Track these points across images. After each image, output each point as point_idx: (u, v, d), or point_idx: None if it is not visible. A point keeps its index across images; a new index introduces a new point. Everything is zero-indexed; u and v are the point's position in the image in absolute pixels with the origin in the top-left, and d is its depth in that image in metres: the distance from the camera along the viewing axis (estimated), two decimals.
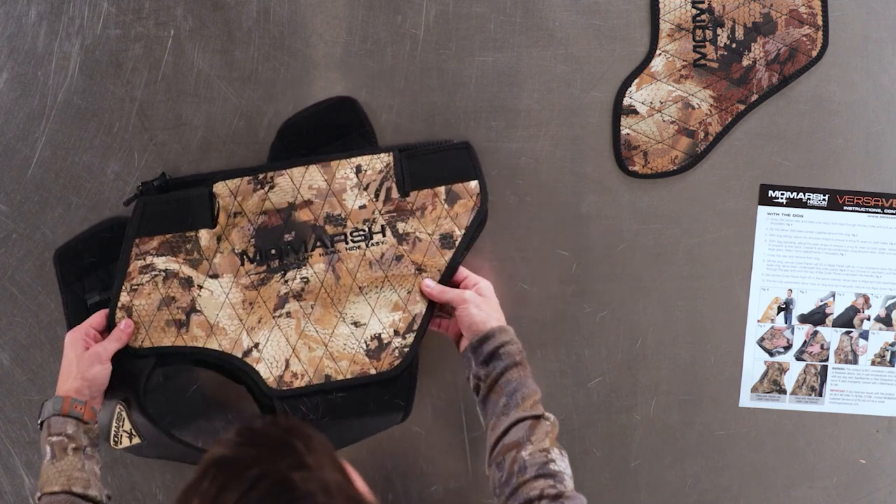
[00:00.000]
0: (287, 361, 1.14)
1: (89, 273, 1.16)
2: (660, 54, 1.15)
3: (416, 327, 1.14)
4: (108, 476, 1.22)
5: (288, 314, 1.14)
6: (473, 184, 1.15)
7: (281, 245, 1.13)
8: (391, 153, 1.13)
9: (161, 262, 1.12)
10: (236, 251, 1.13)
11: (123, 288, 1.12)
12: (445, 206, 1.14)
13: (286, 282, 1.14)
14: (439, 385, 1.21)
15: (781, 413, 1.25)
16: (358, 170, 1.13)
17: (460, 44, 1.14)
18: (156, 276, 1.12)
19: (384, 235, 1.14)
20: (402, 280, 1.14)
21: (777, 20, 1.14)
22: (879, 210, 1.20)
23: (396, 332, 1.14)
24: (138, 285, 1.12)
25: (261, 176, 1.12)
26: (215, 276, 1.13)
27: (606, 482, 1.26)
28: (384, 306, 1.14)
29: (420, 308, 1.14)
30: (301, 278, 1.14)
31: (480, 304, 1.10)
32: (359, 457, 1.22)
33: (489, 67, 1.15)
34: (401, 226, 1.14)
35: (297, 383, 1.14)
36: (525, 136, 1.17)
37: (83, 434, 1.04)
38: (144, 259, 1.12)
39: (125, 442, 1.12)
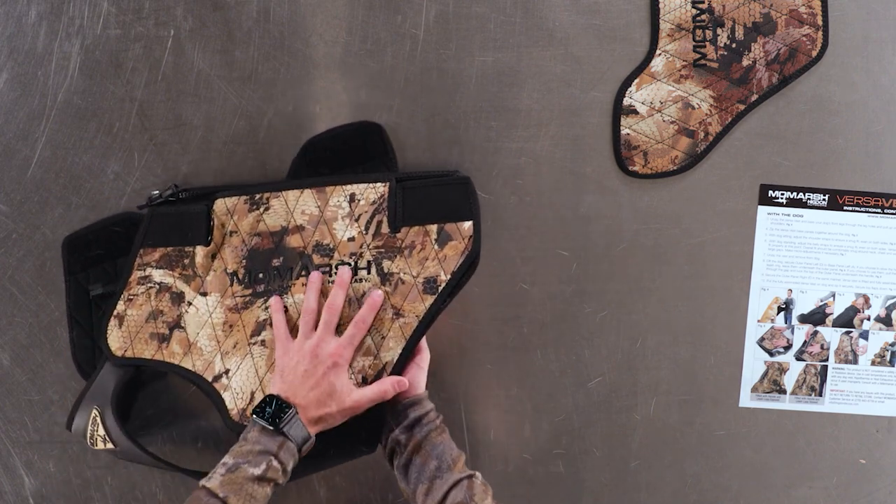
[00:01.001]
0: (252, 394, 1.08)
1: (95, 265, 1.16)
2: (660, 54, 1.15)
3: (385, 375, 1.06)
4: (108, 476, 1.23)
5: (262, 342, 1.09)
6: (467, 225, 1.08)
7: (269, 269, 1.11)
8: (388, 183, 1.09)
9: (158, 275, 1.13)
10: (228, 271, 1.12)
11: (122, 297, 1.13)
12: (435, 246, 1.08)
13: (266, 308, 1.10)
14: (439, 385, 1.21)
15: (781, 413, 1.25)
16: (351, 198, 1.10)
17: (460, 44, 1.14)
18: (150, 288, 1.13)
19: (369, 272, 1.08)
20: (378, 323, 1.07)
21: (777, 20, 1.14)
22: (879, 210, 1.20)
23: (365, 380, 1.06)
24: (134, 296, 1.13)
25: (257, 196, 1.12)
26: (204, 294, 1.12)
27: (606, 482, 1.26)
28: (357, 349, 1.06)
29: (392, 356, 1.06)
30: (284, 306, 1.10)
31: (419, 372, 1.09)
32: None
33: (489, 67, 1.15)
34: (386, 264, 1.08)
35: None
36: (525, 136, 1.17)
37: (286, 473, 1.00)
38: (144, 270, 1.13)
39: (100, 445, 1.12)
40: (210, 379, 1.10)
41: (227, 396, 1.09)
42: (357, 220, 1.09)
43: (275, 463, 0.97)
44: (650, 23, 1.14)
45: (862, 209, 1.20)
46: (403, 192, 1.09)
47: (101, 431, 1.11)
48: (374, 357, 1.06)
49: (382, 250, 1.09)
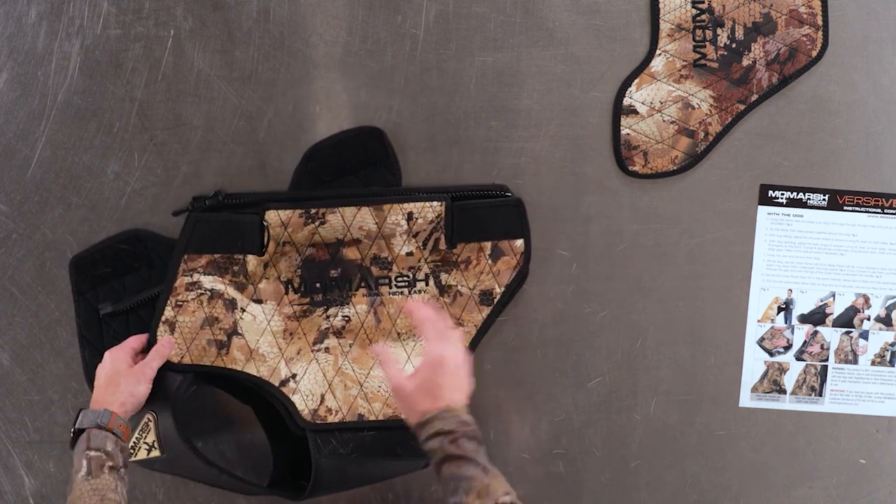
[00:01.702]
0: (322, 396, 1.15)
1: (103, 284, 1.16)
2: (660, 54, 1.15)
3: None
4: None
5: (326, 349, 1.16)
6: (519, 242, 1.16)
7: (326, 280, 1.15)
8: (444, 203, 1.14)
9: (208, 281, 1.13)
10: (282, 279, 1.15)
11: (168, 303, 1.13)
12: (489, 261, 1.16)
13: (328, 317, 1.16)
14: None
15: (781, 413, 1.25)
16: (409, 217, 1.14)
17: (460, 44, 1.14)
18: (201, 294, 1.13)
19: (427, 284, 1.16)
20: None
21: (777, 20, 1.14)
22: (879, 210, 1.20)
23: None
24: (183, 301, 1.13)
25: (313, 211, 1.13)
26: (259, 302, 1.14)
27: (606, 482, 1.26)
28: (419, 355, 1.14)
29: None
30: (343, 316, 1.16)
31: (410, 394, 0.98)
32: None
33: (489, 67, 1.15)
34: (444, 277, 1.16)
35: (331, 419, 1.15)
36: (525, 136, 1.17)
37: (120, 453, 1.02)
38: (192, 276, 1.13)
39: (142, 454, 1.12)
40: (277, 384, 1.15)
41: (296, 399, 1.15)
42: (415, 237, 1.15)
43: (92, 453, 1.00)
44: (650, 23, 1.14)
45: (862, 209, 1.20)
46: (460, 212, 1.14)
47: (151, 438, 1.11)
48: None
49: (439, 264, 1.16)
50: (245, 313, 1.14)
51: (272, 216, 1.13)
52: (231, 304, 1.14)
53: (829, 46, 1.14)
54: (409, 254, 1.15)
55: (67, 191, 1.16)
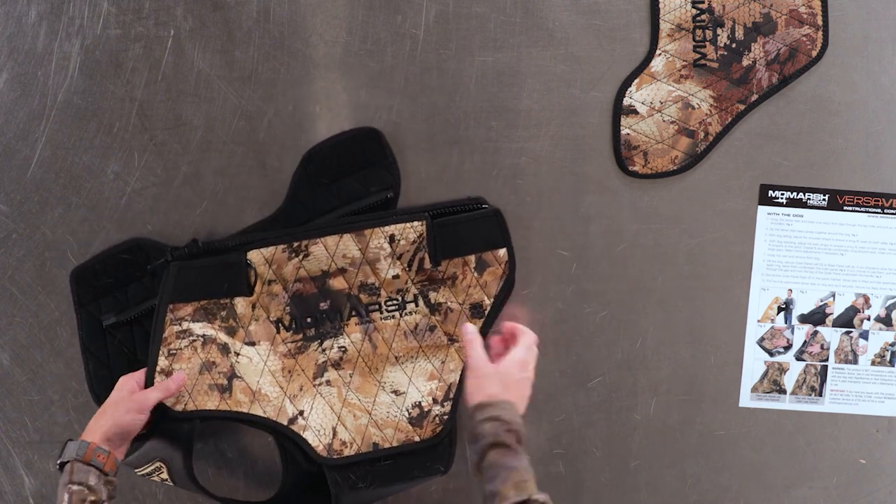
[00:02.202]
0: (334, 429, 1.15)
1: (106, 294, 1.16)
2: (660, 54, 1.15)
3: (452, 395, 1.16)
4: None
5: (328, 382, 1.16)
6: (502, 252, 1.16)
7: (316, 313, 1.15)
8: (424, 222, 1.13)
9: (198, 328, 1.13)
10: (271, 319, 1.14)
11: (161, 353, 1.12)
12: (475, 274, 1.15)
13: (323, 350, 1.15)
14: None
15: (781, 413, 1.25)
16: (391, 239, 1.13)
17: (460, 44, 1.14)
18: (194, 340, 1.12)
19: (417, 305, 1.16)
20: (435, 350, 1.17)
21: (777, 20, 1.14)
22: (879, 210, 1.20)
23: (435, 400, 1.16)
24: (177, 350, 1.12)
25: (295, 244, 1.13)
26: (252, 344, 1.14)
27: (606, 482, 1.26)
28: (420, 375, 1.17)
29: (454, 377, 1.17)
30: (339, 347, 1.15)
31: (487, 376, 1.06)
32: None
33: (489, 67, 1.15)
34: (433, 295, 1.16)
35: (347, 451, 1.15)
36: (525, 136, 1.17)
37: (103, 486, 1.00)
38: (181, 325, 1.12)
39: (155, 478, 1.14)
40: (285, 422, 1.14)
41: (308, 436, 1.14)
42: (399, 259, 1.14)
43: (74, 487, 0.98)
44: (650, 23, 1.14)
45: (862, 209, 1.20)
46: (441, 229, 1.14)
47: (165, 475, 1.13)
48: (439, 380, 1.16)
49: (426, 283, 1.15)
50: (240, 356, 1.13)
51: (255, 255, 1.12)
52: (224, 349, 1.13)
53: (829, 46, 1.14)
54: (396, 276, 1.14)
55: (67, 191, 1.16)
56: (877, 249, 1.21)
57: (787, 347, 1.23)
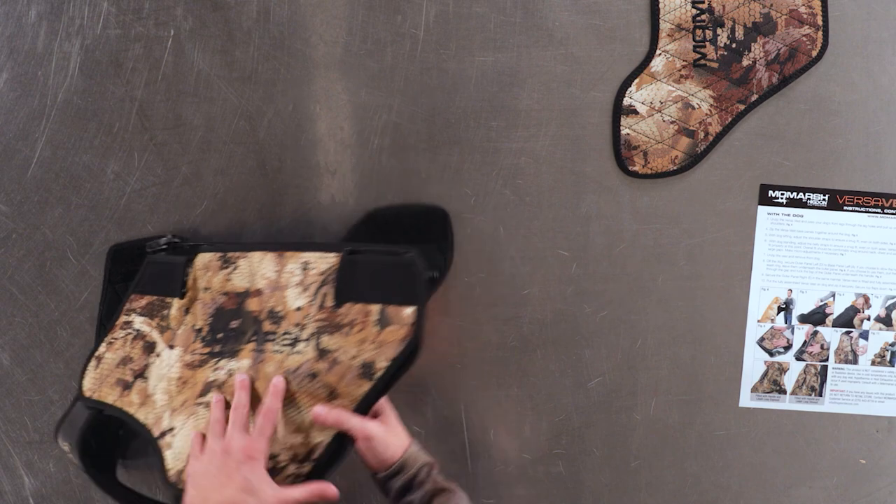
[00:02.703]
0: (189, 458, 1.02)
1: (132, 279, 1.15)
2: (660, 54, 1.15)
3: (315, 456, 1.00)
4: None
5: (206, 405, 1.04)
6: (409, 311, 0.98)
7: (227, 331, 1.07)
8: (340, 254, 1.03)
9: (139, 322, 1.12)
10: (195, 327, 1.09)
11: (105, 339, 1.12)
12: (375, 328, 0.99)
13: (216, 370, 1.05)
14: (439, 385, 1.21)
15: (781, 413, 1.25)
16: (305, 266, 1.04)
17: (460, 44, 1.14)
18: (129, 334, 1.12)
19: (307, 345, 1.01)
20: (310, 400, 1.00)
21: (777, 20, 1.14)
22: (879, 210, 1.20)
23: (294, 458, 1.00)
24: (114, 339, 1.12)
25: (229, 255, 1.10)
26: (172, 347, 1.09)
27: (606, 482, 1.26)
28: (287, 424, 1.00)
29: (324, 437, 1.00)
30: (228, 370, 1.04)
31: (384, 434, 1.03)
32: (358, 455, 1.22)
33: (489, 67, 1.15)
34: (325, 339, 1.00)
35: None
36: (525, 136, 1.17)
37: None
38: (129, 315, 1.13)
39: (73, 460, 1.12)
40: (156, 435, 1.05)
41: (168, 455, 1.04)
42: (306, 290, 1.03)
43: None
44: (650, 23, 1.14)
45: (862, 209, 1.20)
46: (352, 267, 1.02)
47: (75, 459, 1.11)
48: (306, 436, 1.00)
49: (324, 324, 1.01)
50: (159, 357, 1.09)
51: (199, 259, 1.10)
52: (150, 348, 1.10)
53: (829, 46, 1.14)
54: (299, 308, 1.03)
55: (67, 191, 1.16)
56: (877, 249, 1.21)
57: (787, 347, 1.23)
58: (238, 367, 1.04)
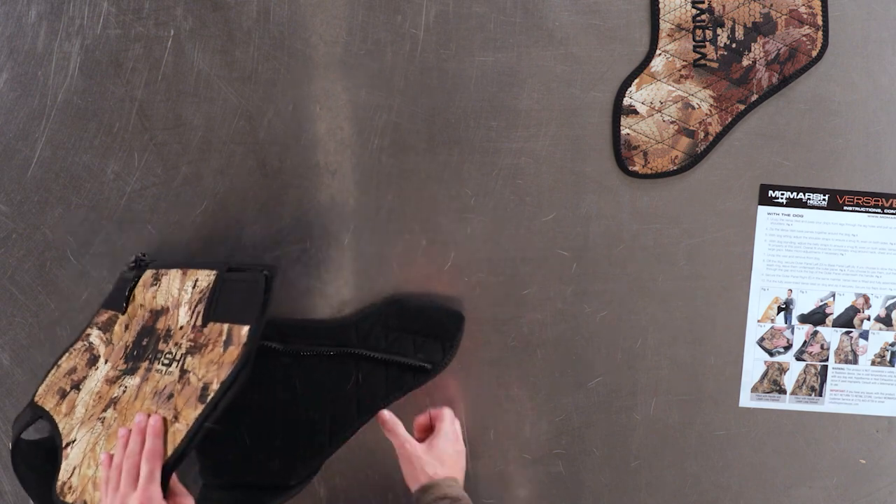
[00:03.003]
0: (73, 472, 1.00)
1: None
2: (660, 54, 1.15)
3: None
4: None
5: (102, 420, 1.01)
6: (245, 330, 0.94)
7: (139, 348, 1.05)
8: (217, 272, 1.01)
9: (94, 335, 1.12)
10: (126, 343, 1.08)
11: (67, 350, 1.13)
12: (221, 349, 0.96)
13: (121, 386, 1.03)
14: (439, 385, 1.21)
15: (781, 413, 1.25)
16: (195, 284, 1.02)
17: (460, 44, 1.14)
18: (83, 346, 1.12)
19: (176, 366, 0.98)
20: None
21: (777, 20, 1.14)
22: (879, 210, 1.20)
23: None
24: (73, 349, 1.12)
25: (159, 271, 1.09)
26: (106, 362, 1.09)
27: (606, 482, 1.26)
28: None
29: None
30: (124, 387, 1.02)
31: (420, 455, 1.09)
32: (358, 455, 1.22)
33: (489, 67, 1.15)
34: (188, 360, 0.97)
35: (68, 499, 0.99)
36: (525, 136, 1.17)
37: None
38: (91, 328, 1.13)
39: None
40: (63, 445, 1.03)
41: (63, 466, 1.00)
42: (190, 308, 1.02)
43: None
44: (650, 23, 1.14)
45: (862, 209, 1.20)
46: (221, 285, 1.00)
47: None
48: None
49: (191, 344, 0.99)
50: (96, 371, 1.08)
51: (144, 276, 1.10)
52: (93, 361, 1.10)
53: (829, 46, 1.14)
54: (182, 327, 1.00)
55: (67, 191, 1.16)
56: (877, 249, 1.21)
57: (787, 347, 1.23)
58: (131, 385, 1.01)
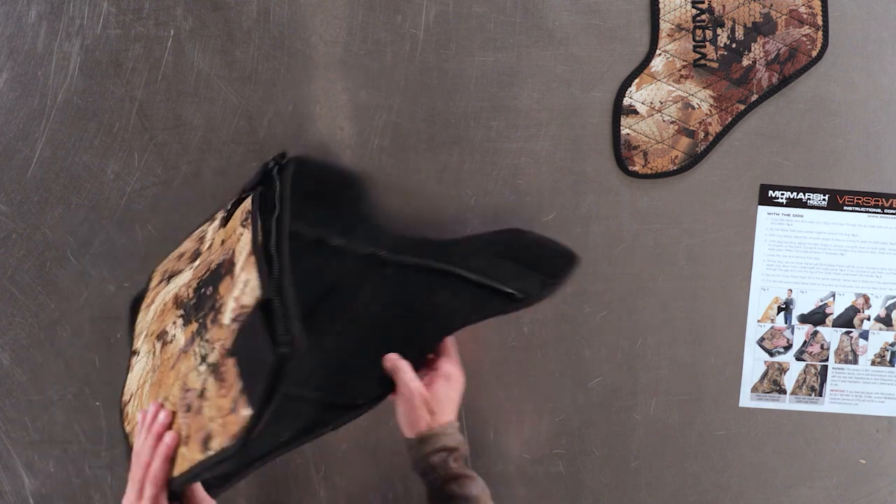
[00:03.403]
0: (131, 398, 0.99)
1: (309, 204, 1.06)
2: (660, 54, 1.15)
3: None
4: (108, 476, 1.23)
5: (152, 353, 0.98)
6: (246, 413, 0.83)
7: (199, 296, 0.95)
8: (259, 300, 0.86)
9: (217, 221, 1.06)
10: (203, 269, 0.99)
11: (200, 227, 1.10)
12: (230, 405, 0.85)
13: (173, 324, 0.97)
14: None
15: (781, 413, 1.25)
16: (246, 283, 0.89)
17: (460, 44, 1.14)
18: (203, 230, 1.09)
19: (206, 371, 0.89)
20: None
21: (777, 20, 1.14)
22: (879, 210, 1.20)
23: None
24: (204, 233, 1.08)
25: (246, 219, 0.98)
26: (190, 269, 1.04)
27: (606, 482, 1.26)
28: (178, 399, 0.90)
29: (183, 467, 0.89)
30: (173, 334, 0.96)
31: (420, 402, 1.00)
32: (358, 455, 1.22)
33: (489, 67, 1.15)
34: (210, 383, 0.88)
35: (126, 428, 0.98)
36: (525, 136, 1.17)
37: None
38: (222, 211, 1.07)
39: None
40: (131, 348, 1.04)
41: (128, 378, 1.00)
42: (237, 303, 0.88)
43: None
44: (650, 23, 1.14)
45: (862, 209, 1.20)
46: (249, 325, 0.85)
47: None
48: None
49: (219, 359, 0.88)
50: (185, 274, 1.02)
51: (245, 205, 1.00)
52: (194, 257, 1.02)
53: (829, 46, 1.14)
54: (223, 326, 0.88)
55: (67, 191, 1.16)
56: (877, 249, 1.21)
57: (787, 347, 1.23)
58: (177, 340, 0.94)
